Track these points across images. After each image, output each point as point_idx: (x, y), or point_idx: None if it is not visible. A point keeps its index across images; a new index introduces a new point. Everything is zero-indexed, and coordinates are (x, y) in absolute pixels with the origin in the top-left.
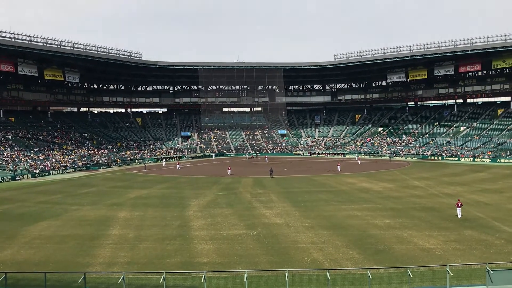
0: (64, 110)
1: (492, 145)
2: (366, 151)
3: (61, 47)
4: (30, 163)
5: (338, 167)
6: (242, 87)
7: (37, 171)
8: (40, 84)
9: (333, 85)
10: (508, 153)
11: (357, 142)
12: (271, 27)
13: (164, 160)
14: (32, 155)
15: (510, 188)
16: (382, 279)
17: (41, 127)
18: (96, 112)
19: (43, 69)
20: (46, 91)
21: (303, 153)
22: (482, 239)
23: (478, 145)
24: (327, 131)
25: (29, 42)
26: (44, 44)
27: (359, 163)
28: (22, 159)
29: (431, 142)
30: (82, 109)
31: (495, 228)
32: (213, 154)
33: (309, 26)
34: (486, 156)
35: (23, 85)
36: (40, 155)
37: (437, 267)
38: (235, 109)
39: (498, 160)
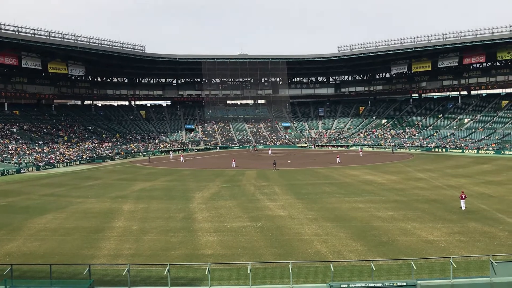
0: (68, 103)
1: (496, 137)
2: (370, 143)
3: (65, 40)
4: (35, 156)
5: (338, 159)
6: (246, 79)
7: (41, 164)
8: (44, 77)
9: (336, 77)
10: None
11: (361, 135)
12: (274, 19)
13: (171, 152)
14: (36, 148)
15: None
16: (386, 271)
17: (46, 120)
18: (100, 105)
19: (46, 62)
20: (50, 84)
21: (308, 146)
22: (485, 231)
23: (482, 137)
24: (330, 123)
25: (33, 35)
26: (48, 37)
27: (361, 155)
28: (27, 152)
29: (435, 134)
30: (86, 102)
31: (499, 220)
32: (217, 147)
33: (313, 18)
34: (490, 148)
35: (27, 78)
36: (45, 148)
37: (440, 259)
38: (238, 102)
39: (502, 152)
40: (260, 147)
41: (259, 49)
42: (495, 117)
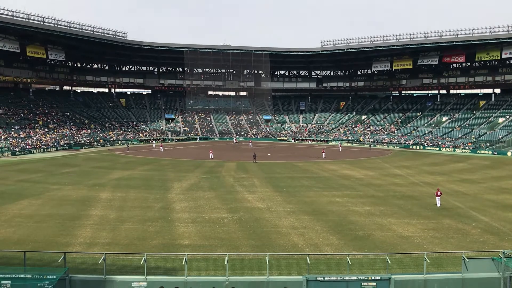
0: (46, 88)
1: (473, 136)
2: (350, 138)
3: (44, 23)
4: (11, 141)
5: (323, 153)
6: (228, 70)
7: (17, 149)
8: (22, 61)
9: (319, 72)
10: (488, 144)
11: (341, 130)
12: (258, 11)
13: (153, 141)
14: (12, 133)
15: (488, 179)
16: (361, 265)
17: (23, 104)
18: (79, 91)
19: (25, 46)
20: (28, 68)
21: (288, 139)
22: (459, 228)
23: (459, 136)
24: (311, 117)
25: (11, 17)
26: (27, 20)
27: (340, 150)
28: (2, 137)
29: (413, 131)
30: (65, 87)
31: (472, 218)
32: (197, 138)
33: (297, 12)
34: (467, 147)
35: (4, 61)
36: (21, 133)
37: (415, 255)
38: (220, 93)
39: (478, 151)
40: (240, 139)
41: (242, 41)
42: (472, 117)
